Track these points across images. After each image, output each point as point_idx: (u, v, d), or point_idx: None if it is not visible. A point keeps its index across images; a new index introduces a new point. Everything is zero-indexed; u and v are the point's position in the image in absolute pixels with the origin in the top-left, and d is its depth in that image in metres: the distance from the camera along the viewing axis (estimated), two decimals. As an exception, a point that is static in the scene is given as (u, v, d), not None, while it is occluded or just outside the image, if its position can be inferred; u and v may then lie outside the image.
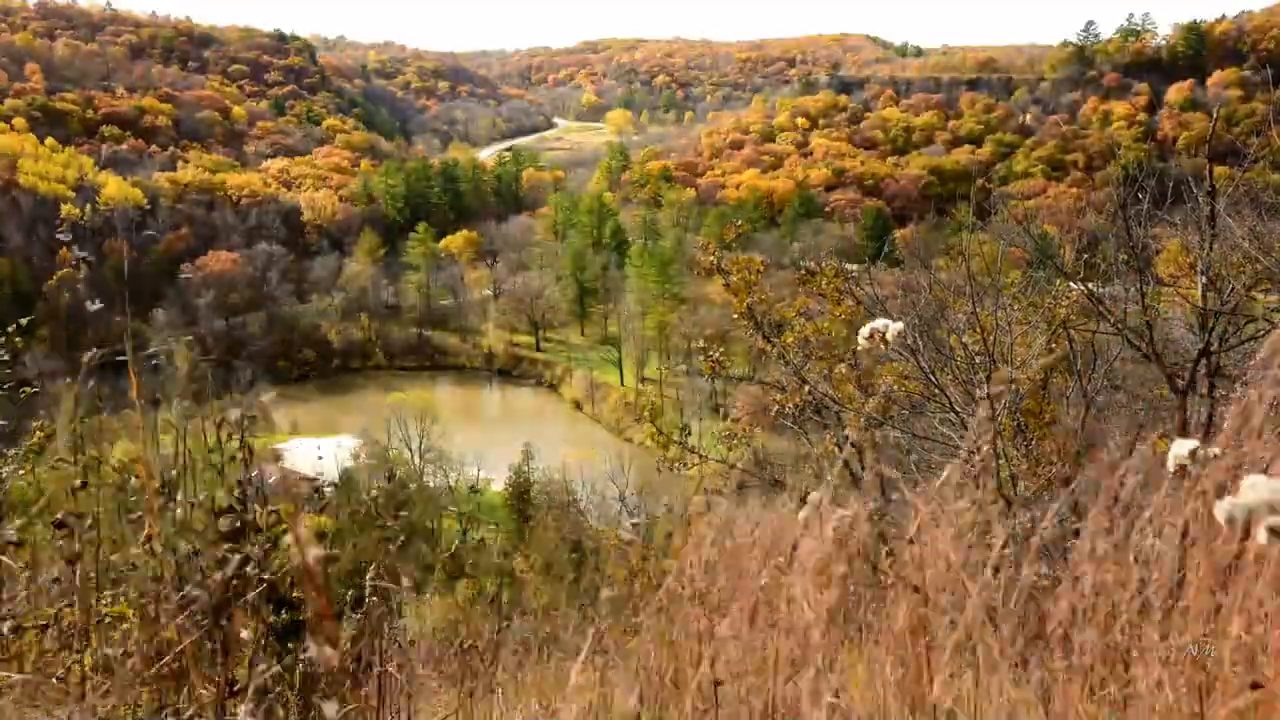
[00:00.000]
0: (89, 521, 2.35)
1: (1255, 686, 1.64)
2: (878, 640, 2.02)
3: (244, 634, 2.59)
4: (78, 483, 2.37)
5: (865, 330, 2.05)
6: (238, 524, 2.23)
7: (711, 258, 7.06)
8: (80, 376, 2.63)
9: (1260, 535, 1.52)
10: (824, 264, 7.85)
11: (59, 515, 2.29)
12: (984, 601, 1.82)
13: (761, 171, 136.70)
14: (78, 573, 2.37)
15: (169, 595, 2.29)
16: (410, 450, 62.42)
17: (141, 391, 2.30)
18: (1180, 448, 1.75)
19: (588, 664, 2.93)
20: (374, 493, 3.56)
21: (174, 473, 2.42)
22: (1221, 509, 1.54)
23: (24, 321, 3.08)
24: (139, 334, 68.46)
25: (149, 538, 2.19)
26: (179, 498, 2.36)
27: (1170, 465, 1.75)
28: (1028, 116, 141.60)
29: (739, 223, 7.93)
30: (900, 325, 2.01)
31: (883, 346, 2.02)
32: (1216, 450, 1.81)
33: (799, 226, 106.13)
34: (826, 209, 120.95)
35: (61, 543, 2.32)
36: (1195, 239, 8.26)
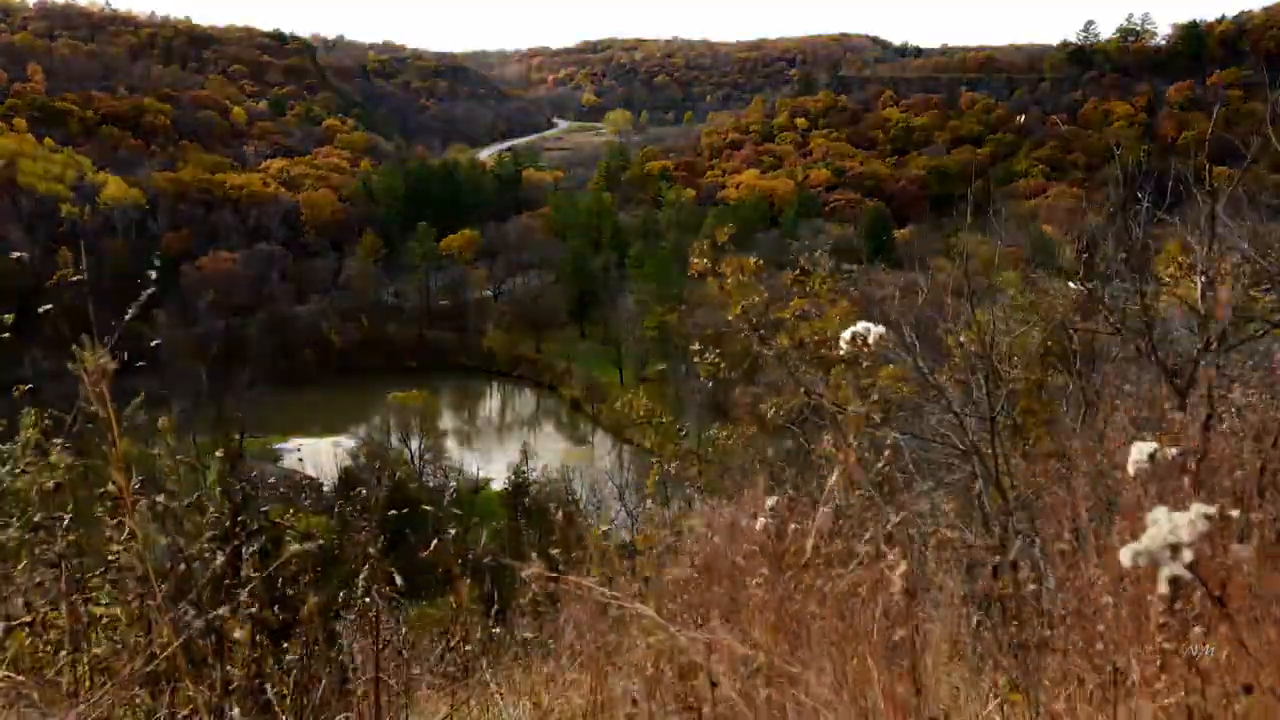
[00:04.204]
0: (65, 523, 2.34)
1: (1248, 689, 1.60)
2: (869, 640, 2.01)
3: (237, 634, 2.58)
4: (51, 485, 2.37)
5: (847, 334, 2.03)
6: (226, 523, 2.22)
7: (703, 260, 7.02)
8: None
9: (1161, 585, 1.33)
10: (816, 263, 7.80)
11: (38, 517, 2.28)
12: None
13: (761, 171, 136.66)
14: (63, 576, 2.36)
15: (155, 594, 2.28)
16: (409, 450, 62.43)
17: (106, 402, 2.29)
18: (1140, 452, 1.57)
19: (581, 664, 2.92)
20: (364, 492, 3.56)
21: (158, 473, 2.42)
22: (1126, 553, 1.35)
23: (9, 318, 3.07)
24: (138, 334, 68.30)
25: (130, 536, 2.19)
26: (160, 498, 2.35)
27: (1130, 469, 1.57)
28: (1022, 117, 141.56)
29: (729, 225, 7.85)
30: (881, 329, 1.99)
31: (865, 350, 2.00)
32: (1174, 451, 1.64)
33: (799, 226, 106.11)
34: (826, 209, 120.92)
35: (42, 545, 2.31)
36: (1195, 239, 8.26)
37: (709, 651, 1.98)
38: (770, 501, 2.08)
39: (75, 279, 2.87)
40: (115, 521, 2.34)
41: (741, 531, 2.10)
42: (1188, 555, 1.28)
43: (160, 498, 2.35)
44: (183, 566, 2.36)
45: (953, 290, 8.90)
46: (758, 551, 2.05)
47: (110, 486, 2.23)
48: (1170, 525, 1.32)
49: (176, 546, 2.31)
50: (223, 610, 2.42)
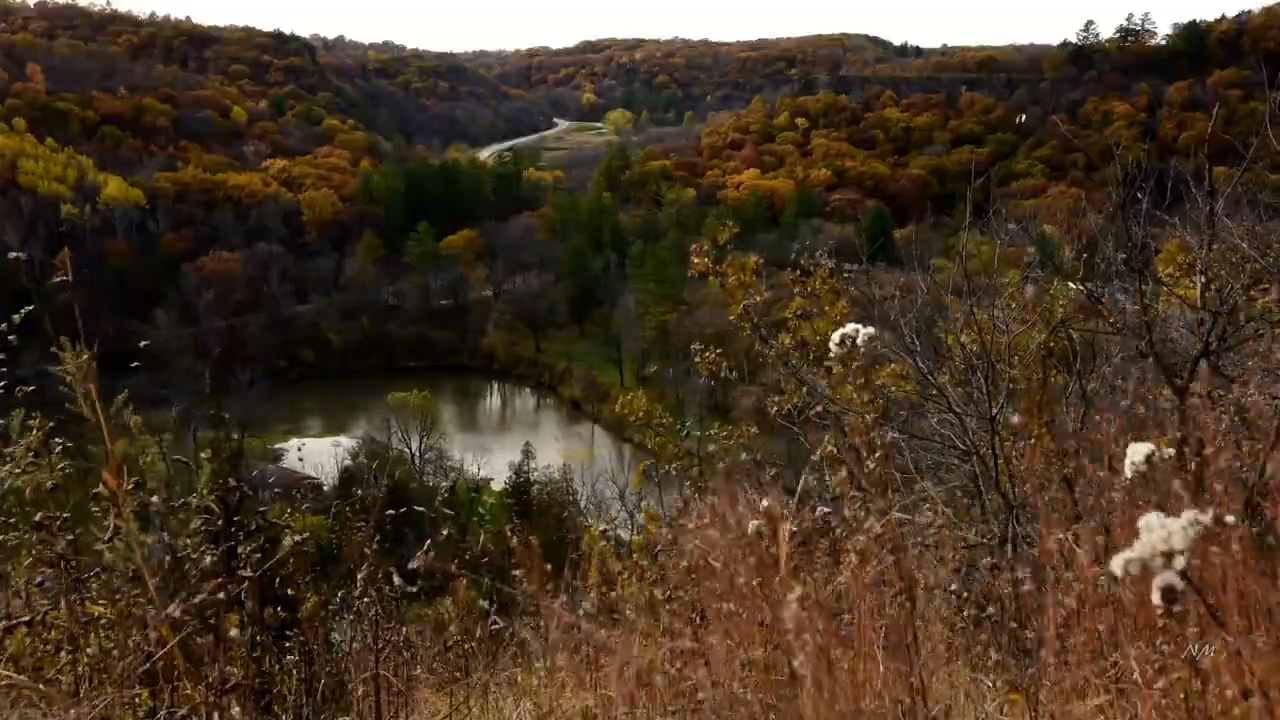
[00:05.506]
0: (59, 523, 2.34)
1: (1246, 695, 1.58)
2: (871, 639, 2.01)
3: (234, 633, 2.58)
4: (50, 484, 2.37)
5: (836, 336, 2.02)
6: (220, 522, 2.22)
7: (704, 260, 7.01)
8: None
9: (1155, 595, 1.28)
10: (817, 262, 7.79)
11: (38, 517, 2.28)
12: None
13: (762, 171, 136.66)
14: (61, 575, 2.36)
15: (147, 593, 2.28)
16: (409, 450, 62.41)
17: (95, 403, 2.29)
18: (1136, 453, 1.53)
19: (581, 666, 2.92)
20: (362, 493, 3.56)
21: (150, 474, 2.41)
22: (1117, 562, 1.30)
23: (16, 317, 3.07)
24: (138, 334, 68.36)
25: (116, 531, 2.18)
26: (155, 498, 2.35)
27: (1127, 471, 1.54)
28: (1023, 117, 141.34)
29: (731, 224, 7.84)
30: (871, 330, 1.98)
31: (854, 352, 1.99)
32: (1170, 452, 1.61)
33: (799, 226, 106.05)
34: (826, 209, 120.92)
35: (40, 545, 2.31)
36: (1194, 239, 8.25)
37: (704, 653, 1.98)
38: (764, 503, 2.08)
39: (61, 279, 2.86)
40: (107, 522, 2.34)
41: (734, 531, 2.10)
42: (1181, 562, 1.25)
43: (154, 498, 2.35)
44: (174, 566, 2.35)
45: (953, 290, 8.89)
46: (749, 553, 2.05)
47: (101, 487, 2.23)
48: (1164, 532, 1.27)
49: (167, 545, 2.31)
50: (217, 609, 2.42)
